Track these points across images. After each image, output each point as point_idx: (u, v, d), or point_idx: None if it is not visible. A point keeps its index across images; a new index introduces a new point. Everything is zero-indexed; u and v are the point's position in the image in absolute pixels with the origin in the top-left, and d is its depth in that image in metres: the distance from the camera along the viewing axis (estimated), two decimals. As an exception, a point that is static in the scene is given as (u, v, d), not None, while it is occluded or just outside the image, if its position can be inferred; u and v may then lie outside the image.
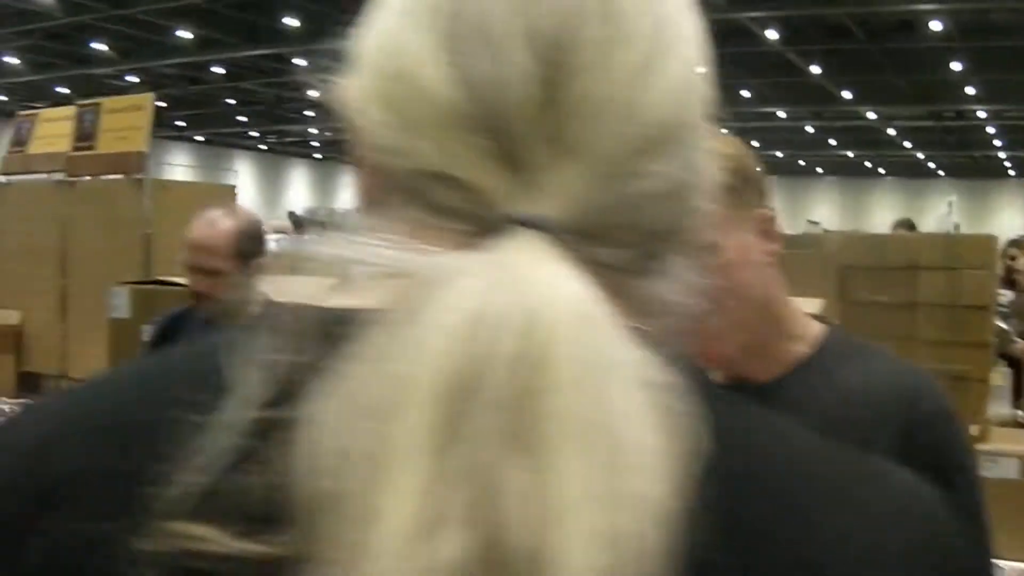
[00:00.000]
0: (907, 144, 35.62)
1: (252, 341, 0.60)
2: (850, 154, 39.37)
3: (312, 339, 0.58)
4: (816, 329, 1.70)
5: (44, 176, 7.35)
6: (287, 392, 0.56)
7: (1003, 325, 6.95)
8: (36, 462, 0.64)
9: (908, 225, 9.16)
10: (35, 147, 7.37)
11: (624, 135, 0.62)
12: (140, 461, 0.59)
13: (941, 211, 21.89)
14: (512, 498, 0.50)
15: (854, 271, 4.71)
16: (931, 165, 40.75)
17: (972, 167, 39.01)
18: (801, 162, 42.78)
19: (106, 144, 6.49)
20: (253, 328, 0.61)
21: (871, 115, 29.89)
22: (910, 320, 4.60)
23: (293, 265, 0.63)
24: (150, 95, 6.58)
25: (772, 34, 21.32)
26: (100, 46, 24.25)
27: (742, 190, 1.74)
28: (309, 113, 33.63)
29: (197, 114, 31.94)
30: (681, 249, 0.68)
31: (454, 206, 0.62)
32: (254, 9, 21.02)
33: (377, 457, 0.51)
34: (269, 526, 0.54)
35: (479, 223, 0.60)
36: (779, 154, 39.12)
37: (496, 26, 0.63)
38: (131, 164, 6.12)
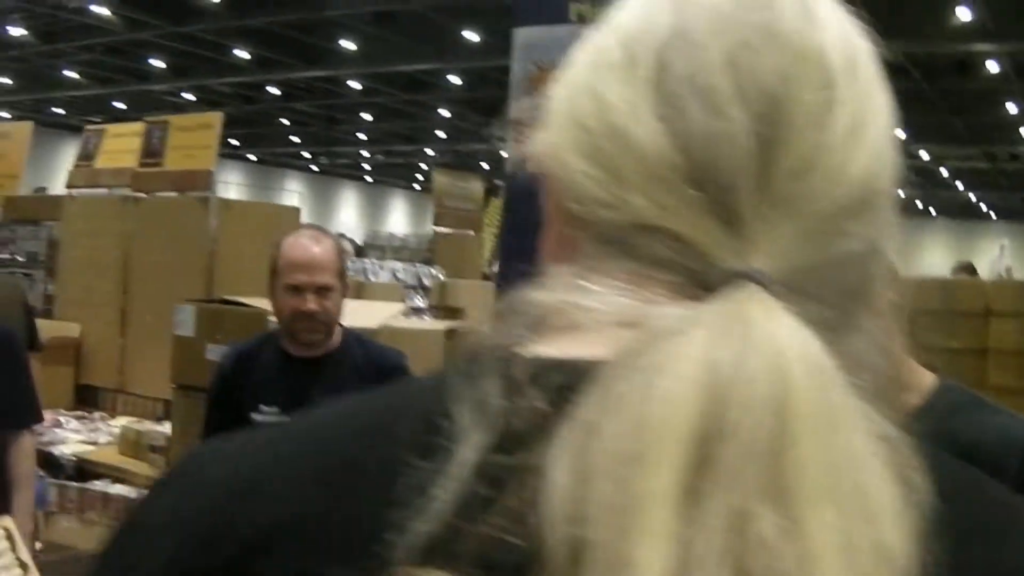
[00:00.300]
0: (959, 185, 35.32)
1: (472, 385, 0.60)
2: (900, 194, 39.03)
3: (540, 386, 0.58)
4: (927, 379, 1.70)
5: (109, 191, 7.42)
6: (518, 438, 0.56)
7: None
8: (247, 503, 0.63)
9: (969, 269, 9.08)
10: (102, 161, 7.47)
11: (834, 195, 0.64)
12: (362, 505, 0.59)
13: (993, 254, 21.63)
14: (765, 546, 0.50)
15: (923, 316, 4.64)
16: (983, 207, 40.36)
17: (1024, 210, 38.64)
18: (851, 200, 42.51)
19: (174, 161, 6.57)
20: (470, 372, 0.61)
21: (924, 155, 29.66)
22: (980, 366, 4.55)
23: (513, 310, 0.63)
24: (219, 114, 6.65)
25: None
26: (158, 63, 24.48)
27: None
28: (361, 136, 33.82)
29: (251, 133, 32.13)
30: (871, 310, 0.69)
31: (668, 258, 0.62)
32: (312, 31, 21.14)
33: (627, 505, 0.51)
34: (511, 574, 0.54)
35: (694, 275, 0.61)
36: (830, 191, 38.83)
37: (709, 80, 0.64)
38: (198, 182, 6.19)
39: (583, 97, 0.68)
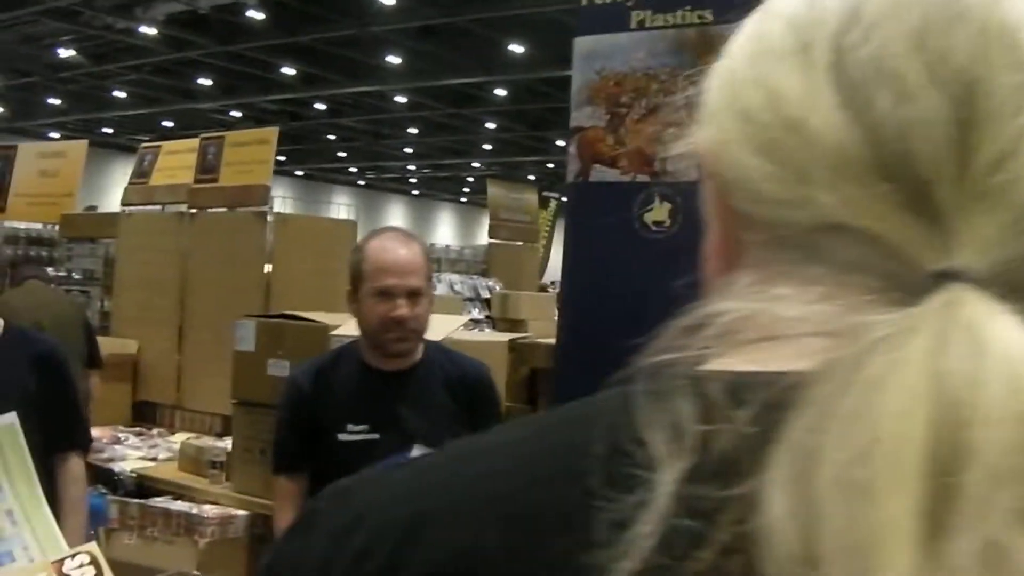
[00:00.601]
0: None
1: (662, 406, 0.55)
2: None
3: (742, 405, 0.54)
4: None
5: (164, 208, 7.46)
6: (723, 465, 0.52)
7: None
8: (417, 546, 0.59)
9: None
10: (157, 178, 7.51)
11: None
12: (551, 544, 0.55)
13: None
14: None
15: None
16: None
17: None
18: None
19: (229, 177, 6.58)
20: (656, 391, 0.56)
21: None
22: None
23: (694, 322, 0.58)
24: (275, 129, 6.66)
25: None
26: (205, 81, 24.69)
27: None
28: (407, 150, 33.95)
29: (297, 149, 32.33)
30: None
31: (862, 260, 0.57)
32: (356, 47, 21.24)
33: (862, 543, 0.46)
34: None
35: (894, 277, 0.56)
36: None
37: (896, 65, 0.58)
38: (254, 197, 6.20)
39: (750, 89, 0.63)
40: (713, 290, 0.64)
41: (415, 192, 45.44)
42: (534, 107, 26.01)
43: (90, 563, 1.61)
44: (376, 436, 3.09)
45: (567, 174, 4.89)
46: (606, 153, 4.67)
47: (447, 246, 19.61)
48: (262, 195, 6.17)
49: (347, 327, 4.60)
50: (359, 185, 43.01)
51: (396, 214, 45.65)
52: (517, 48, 20.51)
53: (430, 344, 3.29)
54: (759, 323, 0.58)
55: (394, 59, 22.09)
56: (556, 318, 7.20)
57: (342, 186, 42.35)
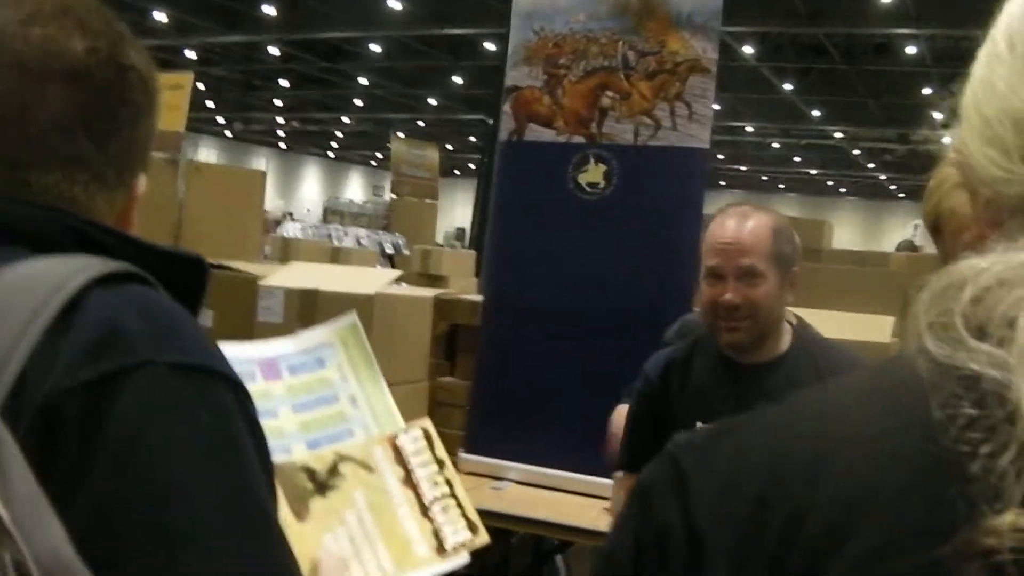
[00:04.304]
0: (871, 165, 35.94)
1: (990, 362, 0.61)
2: (813, 172, 39.68)
3: None
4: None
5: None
6: None
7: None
8: (813, 479, 0.64)
9: (910, 247, 9.29)
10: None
11: None
12: (925, 480, 0.60)
13: (907, 233, 22.09)
14: None
15: (918, 291, 4.67)
16: (892, 188, 41.13)
17: (933, 192, 39.41)
18: (764, 177, 43.06)
19: (137, 123, 6.42)
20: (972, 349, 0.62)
21: (838, 135, 30.13)
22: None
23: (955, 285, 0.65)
24: (189, 75, 6.53)
25: (748, 49, 21.41)
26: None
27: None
28: (277, 103, 33.46)
29: (165, 97, 31.56)
30: None
31: None
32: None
33: None
34: None
35: None
36: (743, 168, 39.37)
37: None
38: (168, 144, 6.07)
39: (981, 89, 0.72)
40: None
41: (282, 146, 44.79)
42: (408, 64, 25.84)
43: (423, 436, 1.70)
44: None
45: (499, 132, 4.92)
46: (542, 113, 4.71)
47: (350, 200, 19.44)
48: (176, 142, 6.05)
49: (274, 278, 4.57)
50: (226, 137, 42.22)
51: (260, 167, 44.93)
52: (395, 5, 20.31)
53: (803, 334, 2.97)
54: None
55: (269, 10, 21.70)
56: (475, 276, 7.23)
57: (208, 136, 41.51)
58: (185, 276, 1.11)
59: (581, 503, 3.88)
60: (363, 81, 28.97)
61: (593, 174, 4.52)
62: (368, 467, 1.61)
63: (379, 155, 41.26)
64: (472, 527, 1.63)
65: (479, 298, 5.01)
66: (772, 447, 0.69)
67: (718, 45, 4.57)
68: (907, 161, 32.28)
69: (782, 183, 45.07)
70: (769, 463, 0.68)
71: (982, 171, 0.70)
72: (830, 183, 42.94)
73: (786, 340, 2.88)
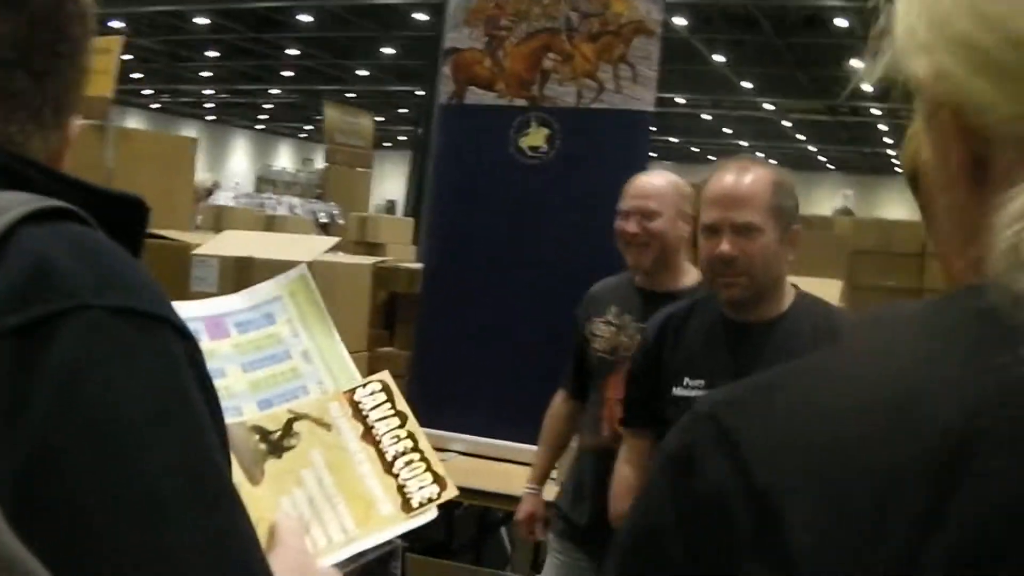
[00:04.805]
0: (800, 137, 36.25)
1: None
2: (743, 143, 39.95)
3: None
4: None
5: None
6: None
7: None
8: (909, 415, 0.59)
9: (847, 212, 9.43)
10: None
11: None
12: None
13: (837, 203, 22.38)
14: None
15: (862, 256, 4.76)
16: (821, 159, 41.54)
17: (861, 162, 39.89)
18: (694, 148, 43.28)
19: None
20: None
21: (768, 107, 30.33)
22: (915, 305, 4.65)
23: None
24: (119, 38, 6.37)
25: (679, 21, 21.48)
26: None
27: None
28: (204, 74, 33.07)
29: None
30: None
31: None
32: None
33: None
34: None
35: None
36: (673, 140, 39.53)
37: None
38: (95, 110, 5.91)
39: (963, 17, 0.63)
40: (959, 215, 0.68)
41: (209, 118, 44.31)
42: (338, 35, 25.63)
43: (381, 390, 1.61)
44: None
45: (438, 96, 4.85)
46: (483, 76, 4.63)
47: (283, 168, 19.31)
48: (103, 108, 5.91)
49: (208, 246, 4.46)
50: (152, 108, 41.69)
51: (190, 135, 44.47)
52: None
53: (806, 296, 2.92)
54: None
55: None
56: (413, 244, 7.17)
57: (134, 108, 40.99)
58: (122, 217, 1.00)
59: (527, 473, 3.82)
60: (292, 52, 28.69)
61: (535, 137, 4.46)
62: (325, 424, 1.54)
63: (308, 127, 40.99)
64: (439, 481, 1.55)
65: (418, 266, 4.94)
66: (838, 392, 0.63)
67: (663, 7, 4.51)
68: (835, 132, 32.65)
69: (712, 155, 45.37)
70: (839, 412, 0.61)
71: (986, 108, 0.63)
72: (760, 154, 43.33)
73: (787, 301, 2.83)
